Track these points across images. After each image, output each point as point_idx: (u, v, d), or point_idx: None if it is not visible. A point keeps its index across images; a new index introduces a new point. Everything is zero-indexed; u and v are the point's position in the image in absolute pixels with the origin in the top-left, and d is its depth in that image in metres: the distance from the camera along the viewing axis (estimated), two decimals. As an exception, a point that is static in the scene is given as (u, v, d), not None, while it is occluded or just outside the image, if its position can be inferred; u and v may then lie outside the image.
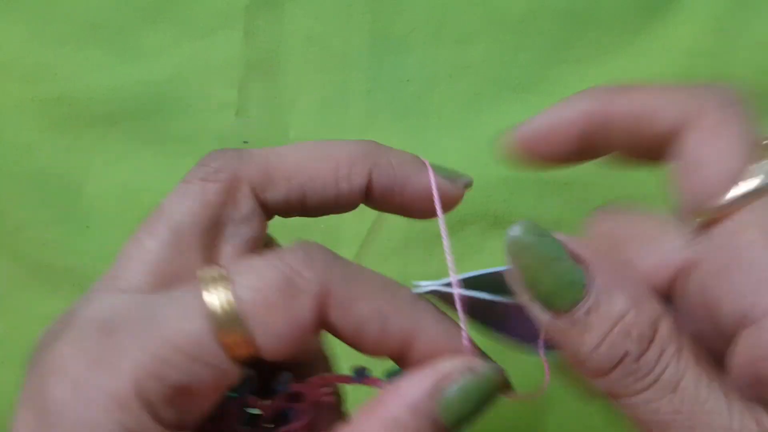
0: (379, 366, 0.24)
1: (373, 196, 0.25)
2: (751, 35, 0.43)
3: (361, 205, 0.25)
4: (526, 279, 0.21)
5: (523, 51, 0.44)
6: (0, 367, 0.44)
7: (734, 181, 0.21)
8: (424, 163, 0.26)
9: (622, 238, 0.23)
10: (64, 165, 0.45)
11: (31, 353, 0.23)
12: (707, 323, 0.21)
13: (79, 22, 0.45)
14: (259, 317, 0.21)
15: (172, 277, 0.22)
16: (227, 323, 0.21)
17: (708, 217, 0.21)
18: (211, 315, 0.21)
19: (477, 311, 0.23)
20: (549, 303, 0.21)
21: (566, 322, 0.21)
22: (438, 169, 0.26)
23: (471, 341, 0.23)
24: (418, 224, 0.44)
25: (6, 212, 0.45)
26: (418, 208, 0.25)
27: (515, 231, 0.21)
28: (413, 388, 0.21)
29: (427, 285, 0.23)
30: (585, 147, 0.24)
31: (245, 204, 0.24)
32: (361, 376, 0.24)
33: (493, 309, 0.23)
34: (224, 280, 0.21)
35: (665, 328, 0.21)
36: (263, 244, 0.25)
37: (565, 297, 0.21)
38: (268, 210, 0.25)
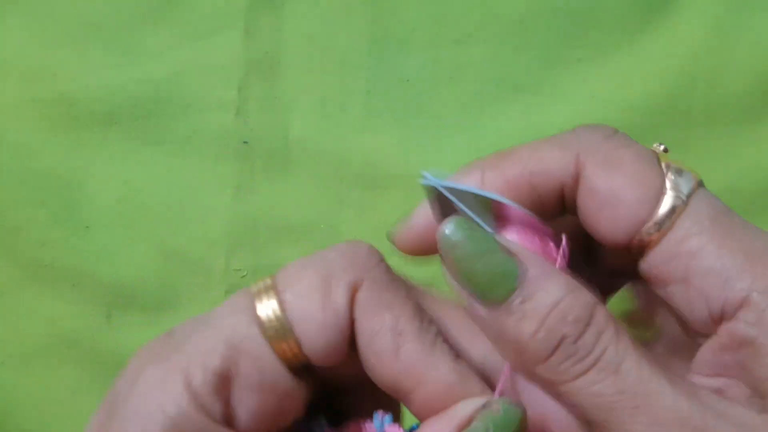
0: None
1: None
2: (751, 35, 0.43)
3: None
4: (460, 273, 0.21)
5: (523, 51, 0.44)
6: (0, 367, 0.44)
7: (654, 200, 0.22)
8: None
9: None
10: (64, 165, 0.45)
11: None
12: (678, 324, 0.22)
13: (79, 22, 0.45)
14: (297, 311, 0.22)
15: None
16: (273, 327, 0.22)
17: (645, 240, 0.22)
18: (260, 323, 0.22)
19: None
20: (484, 295, 0.21)
21: (503, 312, 0.21)
22: None
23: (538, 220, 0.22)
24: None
25: (6, 212, 0.45)
26: None
27: (446, 228, 0.21)
28: None
29: (434, 180, 0.23)
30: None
31: None
32: (382, 424, 0.23)
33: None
34: (272, 290, 0.22)
35: (601, 313, 0.21)
36: None
37: (500, 288, 0.21)
38: None
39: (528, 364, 0.21)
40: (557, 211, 0.24)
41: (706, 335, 0.22)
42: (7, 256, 0.45)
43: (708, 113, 0.44)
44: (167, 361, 0.21)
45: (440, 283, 0.44)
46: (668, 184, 0.22)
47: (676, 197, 0.22)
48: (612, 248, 0.23)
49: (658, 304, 0.24)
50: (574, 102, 0.44)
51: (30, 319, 0.45)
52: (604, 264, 0.26)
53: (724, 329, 0.21)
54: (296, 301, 0.22)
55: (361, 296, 0.22)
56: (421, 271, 0.46)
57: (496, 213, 0.22)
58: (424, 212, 0.24)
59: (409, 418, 0.24)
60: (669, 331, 0.25)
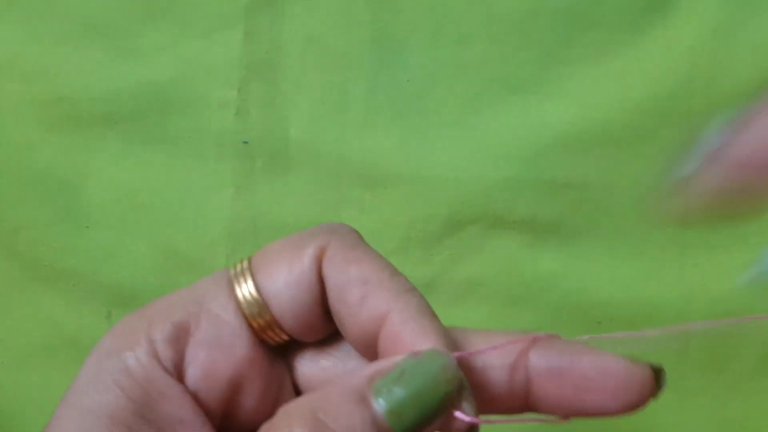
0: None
1: None
2: (751, 35, 0.43)
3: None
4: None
5: (523, 51, 0.44)
6: (0, 367, 0.44)
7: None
8: None
9: None
10: (64, 165, 0.45)
11: None
12: None
13: (78, 22, 0.45)
14: (264, 270, 0.22)
15: None
16: (245, 296, 0.22)
17: None
18: (231, 285, 0.23)
19: None
20: None
21: None
22: None
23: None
24: (418, 224, 0.44)
25: (6, 212, 0.45)
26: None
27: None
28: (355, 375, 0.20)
29: None
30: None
31: None
32: None
33: None
34: (246, 260, 0.23)
35: None
36: None
37: None
38: None
39: None
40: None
41: None
42: (7, 256, 0.45)
43: (708, 113, 0.44)
44: (139, 312, 0.22)
45: (439, 284, 0.44)
46: None
47: None
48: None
49: None
50: (573, 102, 0.44)
51: (30, 319, 0.45)
52: None
53: None
54: (264, 265, 0.22)
55: (329, 254, 0.22)
56: (421, 273, 0.46)
57: None
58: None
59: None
60: None
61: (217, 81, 0.45)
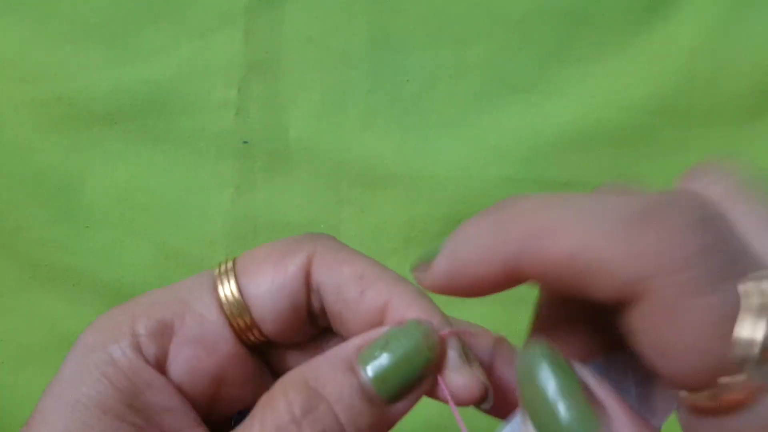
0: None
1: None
2: (751, 35, 0.43)
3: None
4: (530, 409, 0.19)
5: (523, 51, 0.44)
6: (0, 367, 0.44)
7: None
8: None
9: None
10: (63, 165, 0.45)
11: None
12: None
13: (79, 22, 0.45)
14: (248, 273, 0.23)
15: None
16: (228, 298, 0.23)
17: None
18: (215, 285, 0.23)
19: None
20: None
21: None
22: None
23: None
24: (418, 224, 0.44)
25: (6, 212, 0.45)
26: None
27: (529, 355, 0.19)
28: (345, 346, 0.21)
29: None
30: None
31: None
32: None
33: None
34: (230, 261, 0.23)
35: None
36: None
37: None
38: None
39: None
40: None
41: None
42: (7, 256, 0.45)
43: (707, 113, 0.44)
44: (122, 307, 0.23)
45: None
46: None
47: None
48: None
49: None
50: (573, 102, 0.44)
51: (30, 319, 0.45)
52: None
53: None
54: (248, 268, 0.23)
55: (317, 260, 0.23)
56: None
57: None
58: (453, 252, 0.20)
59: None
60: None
61: (217, 81, 0.45)
